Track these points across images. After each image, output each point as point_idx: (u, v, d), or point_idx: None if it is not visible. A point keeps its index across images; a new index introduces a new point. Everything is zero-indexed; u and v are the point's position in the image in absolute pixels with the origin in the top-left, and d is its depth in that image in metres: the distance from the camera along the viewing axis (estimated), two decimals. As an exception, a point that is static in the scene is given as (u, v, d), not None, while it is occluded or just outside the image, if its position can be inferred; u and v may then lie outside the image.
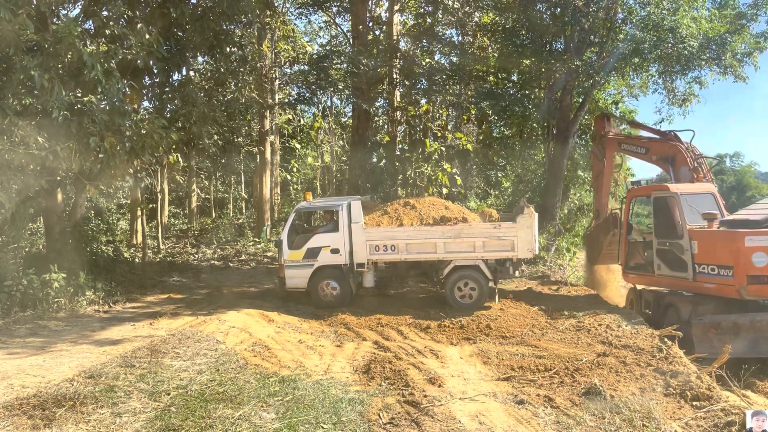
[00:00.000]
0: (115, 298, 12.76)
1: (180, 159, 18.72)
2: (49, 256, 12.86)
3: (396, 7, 20.29)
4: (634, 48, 14.93)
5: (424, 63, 19.44)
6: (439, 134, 21.22)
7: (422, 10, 21.58)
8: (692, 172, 11.30)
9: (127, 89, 11.66)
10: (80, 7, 12.47)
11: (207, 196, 35.97)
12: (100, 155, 10.01)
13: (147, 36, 10.72)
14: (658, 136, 12.69)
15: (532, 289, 13.78)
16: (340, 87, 19.59)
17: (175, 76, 14.89)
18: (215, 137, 16.27)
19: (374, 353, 8.49)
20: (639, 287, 11.85)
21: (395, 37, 20.16)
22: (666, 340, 8.46)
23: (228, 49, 14.77)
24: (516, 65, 18.38)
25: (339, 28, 23.49)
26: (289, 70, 24.75)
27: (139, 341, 9.11)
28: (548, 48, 16.97)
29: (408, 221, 11.73)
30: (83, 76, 9.90)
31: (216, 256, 20.88)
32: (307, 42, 26.58)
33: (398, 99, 20.97)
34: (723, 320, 9.26)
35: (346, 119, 32.23)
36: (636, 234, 11.91)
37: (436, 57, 20.94)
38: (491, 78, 19.55)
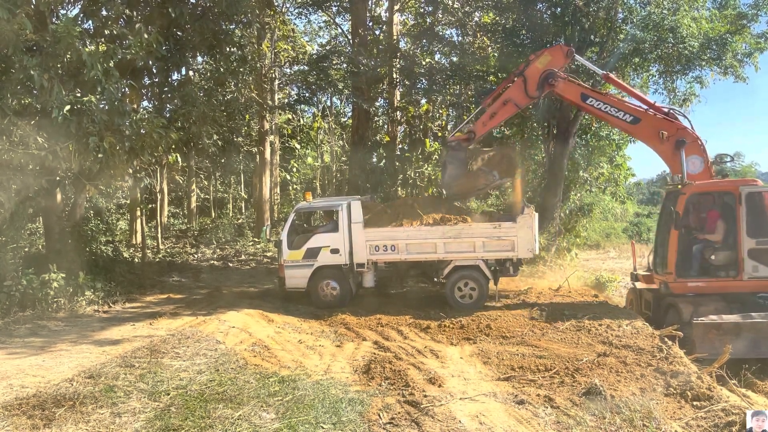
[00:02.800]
0: (115, 298, 12.74)
1: (179, 159, 18.75)
2: (48, 256, 12.85)
3: (396, 7, 20.31)
4: (635, 48, 14.91)
5: (424, 63, 19.43)
6: (440, 134, 21.21)
7: (422, 10, 21.59)
8: (709, 167, 10.37)
9: (127, 89, 11.66)
10: (79, 6, 12.46)
11: (206, 196, 35.97)
12: (100, 155, 9.99)
13: (146, 36, 10.70)
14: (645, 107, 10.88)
15: (532, 290, 13.75)
16: (340, 87, 19.60)
17: (175, 76, 14.94)
18: (215, 137, 16.24)
19: (374, 353, 8.47)
20: (639, 287, 11.73)
21: (395, 37, 20.17)
22: (666, 340, 8.46)
23: (228, 49, 14.75)
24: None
25: (339, 28, 23.50)
26: (288, 70, 24.74)
27: (138, 341, 9.10)
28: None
29: (408, 221, 11.72)
30: (82, 75, 9.88)
31: (215, 256, 20.87)
32: (307, 42, 26.58)
33: (398, 99, 20.97)
34: (723, 321, 9.25)
35: (346, 119, 32.19)
36: (712, 237, 10.03)
37: (437, 57, 20.94)
38: (491, 78, 19.50)
